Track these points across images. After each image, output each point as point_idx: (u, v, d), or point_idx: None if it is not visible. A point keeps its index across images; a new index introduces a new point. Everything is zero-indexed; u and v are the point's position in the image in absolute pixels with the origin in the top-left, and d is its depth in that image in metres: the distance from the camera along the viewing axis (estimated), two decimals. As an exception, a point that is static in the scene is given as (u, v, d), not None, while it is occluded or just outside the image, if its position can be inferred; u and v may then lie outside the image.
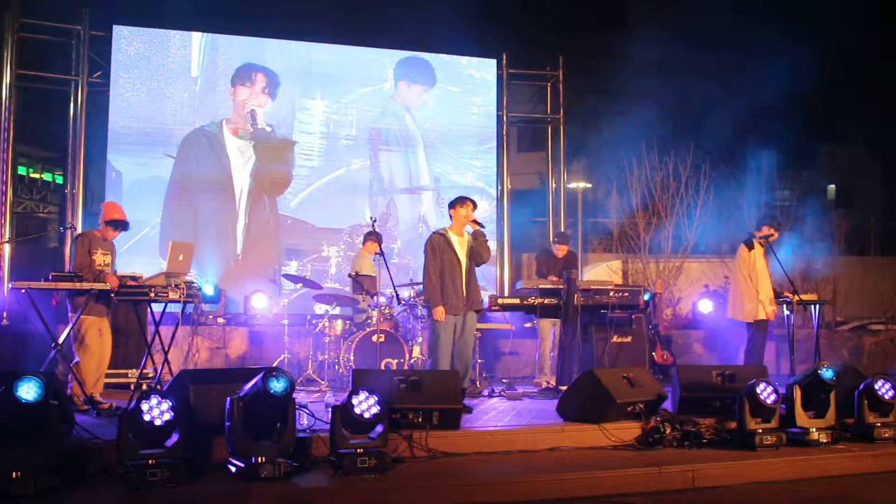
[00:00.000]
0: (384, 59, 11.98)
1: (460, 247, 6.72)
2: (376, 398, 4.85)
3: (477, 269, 6.89)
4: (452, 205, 6.78)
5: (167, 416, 4.44)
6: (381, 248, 8.30)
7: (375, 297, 8.36)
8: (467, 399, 6.60)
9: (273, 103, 11.44)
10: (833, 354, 10.18)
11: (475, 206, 6.76)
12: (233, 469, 4.59)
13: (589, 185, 19.20)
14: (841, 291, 13.57)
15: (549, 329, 8.31)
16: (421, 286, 7.12)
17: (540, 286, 7.62)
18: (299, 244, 11.29)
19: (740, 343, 8.51)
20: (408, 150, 12.03)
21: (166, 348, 6.76)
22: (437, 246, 6.68)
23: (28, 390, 4.19)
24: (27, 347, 6.96)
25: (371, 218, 8.49)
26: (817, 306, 8.51)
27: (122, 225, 6.55)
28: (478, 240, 6.76)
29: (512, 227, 12.00)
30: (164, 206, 10.69)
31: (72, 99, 10.34)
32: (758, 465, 5.34)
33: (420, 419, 5.44)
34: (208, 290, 6.71)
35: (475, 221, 6.73)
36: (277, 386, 4.57)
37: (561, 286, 7.53)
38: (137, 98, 10.57)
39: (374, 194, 11.90)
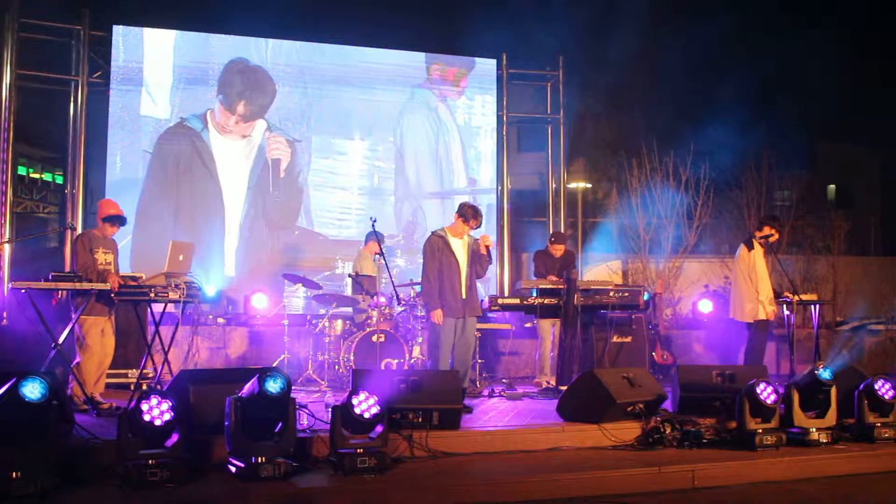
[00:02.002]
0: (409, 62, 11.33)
1: (459, 249, 6.70)
2: (376, 398, 4.85)
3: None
4: (462, 214, 6.66)
5: (167, 416, 4.44)
6: (381, 248, 8.31)
7: (375, 297, 8.36)
8: (467, 399, 6.60)
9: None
10: (833, 354, 10.17)
11: (479, 224, 6.72)
12: (233, 469, 4.59)
13: (589, 185, 19.22)
14: (841, 291, 13.58)
15: (549, 329, 8.30)
16: (420, 286, 7.12)
17: (540, 286, 7.61)
18: (308, 259, 10.33)
19: (740, 343, 8.51)
20: (439, 146, 11.01)
21: (166, 348, 6.76)
22: (436, 248, 6.65)
23: (32, 390, 4.21)
24: (27, 347, 6.96)
25: (371, 218, 8.48)
26: (817, 306, 8.51)
27: (118, 220, 6.57)
28: (482, 260, 6.76)
29: (512, 227, 11.99)
30: (136, 216, 9.98)
31: (72, 99, 10.33)
32: (758, 465, 5.34)
33: (420, 419, 5.44)
34: (210, 292, 6.68)
35: (487, 247, 6.72)
36: (273, 386, 4.57)
37: (561, 286, 7.52)
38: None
39: (399, 200, 11.08)
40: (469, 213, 6.66)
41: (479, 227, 6.73)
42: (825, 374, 5.79)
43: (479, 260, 6.75)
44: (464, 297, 6.63)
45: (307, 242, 10.90)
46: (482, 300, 7.58)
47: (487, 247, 6.73)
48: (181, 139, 10.57)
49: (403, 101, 11.38)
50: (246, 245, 10.60)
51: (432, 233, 6.84)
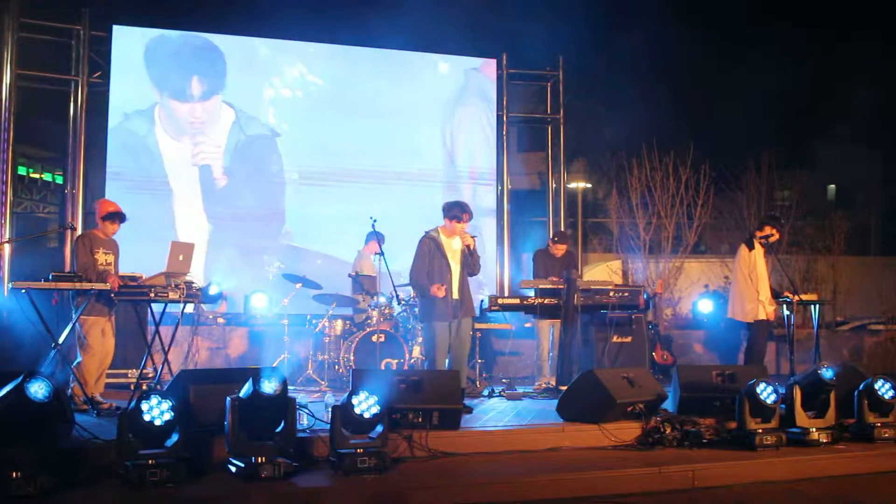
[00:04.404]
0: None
1: (451, 251, 6.65)
2: (376, 398, 4.85)
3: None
4: (454, 216, 6.60)
5: (167, 416, 4.44)
6: (381, 249, 8.30)
7: (375, 297, 8.35)
8: (467, 399, 6.60)
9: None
10: (833, 354, 10.18)
11: (471, 217, 6.68)
12: (233, 469, 4.59)
13: (589, 185, 19.23)
14: (841, 291, 13.59)
15: (548, 329, 8.28)
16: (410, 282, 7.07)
17: (540, 286, 7.61)
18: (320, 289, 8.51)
19: (740, 343, 8.52)
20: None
21: (166, 348, 6.76)
22: (427, 249, 6.61)
23: (39, 389, 4.22)
24: (27, 347, 6.96)
25: (371, 218, 8.46)
26: (817, 306, 8.51)
27: (119, 217, 6.55)
28: (473, 256, 6.73)
29: (512, 227, 11.99)
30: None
31: (72, 99, 10.32)
32: (758, 465, 5.34)
33: (420, 419, 5.44)
34: (213, 290, 6.64)
35: (468, 246, 6.66)
36: (268, 387, 4.57)
37: (561, 286, 7.52)
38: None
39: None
40: (457, 212, 6.59)
41: (471, 219, 6.67)
42: (828, 373, 5.79)
43: (465, 260, 6.73)
44: (456, 297, 6.60)
45: (330, 275, 9.17)
46: (481, 300, 7.58)
47: (468, 245, 6.68)
48: (123, 149, 9.95)
49: (456, 88, 10.68)
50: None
51: (425, 233, 6.77)
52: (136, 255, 7.38)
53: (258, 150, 10.48)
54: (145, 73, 10.22)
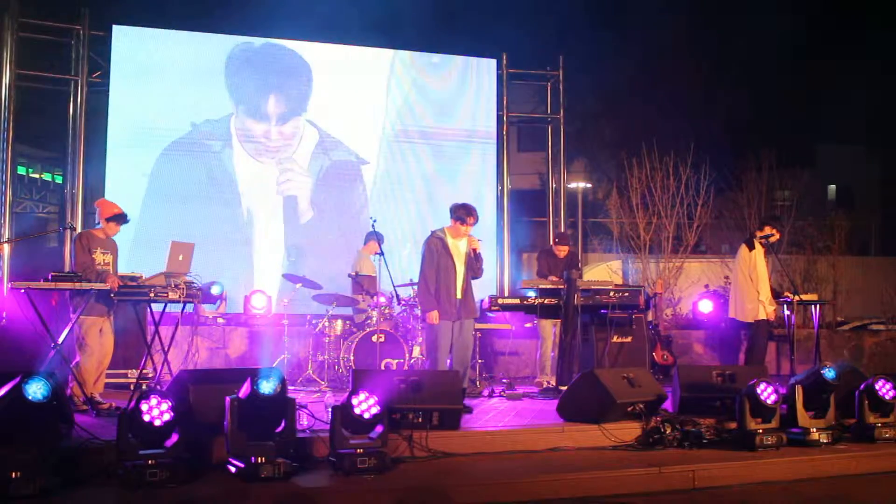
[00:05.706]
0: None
1: (457, 252, 6.68)
2: (376, 398, 4.84)
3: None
4: (459, 218, 6.63)
5: (167, 417, 4.44)
6: (381, 249, 8.30)
7: (375, 297, 8.35)
8: (467, 399, 6.59)
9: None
10: (833, 354, 10.18)
11: (476, 220, 6.70)
12: (232, 469, 4.59)
13: (589, 185, 19.22)
14: (841, 291, 13.57)
15: (551, 329, 8.30)
16: (417, 287, 7.12)
17: (540, 286, 7.61)
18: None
19: (740, 343, 8.52)
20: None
21: (166, 348, 6.75)
22: (435, 249, 6.63)
23: (36, 390, 4.22)
24: (27, 347, 6.95)
25: (371, 218, 8.45)
26: (817, 306, 8.51)
27: (122, 219, 6.55)
28: (477, 261, 6.75)
29: (512, 227, 11.98)
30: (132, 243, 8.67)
31: (71, 99, 10.31)
32: (758, 466, 5.34)
33: (420, 419, 5.43)
34: (215, 290, 6.63)
35: (474, 250, 6.69)
36: (266, 387, 4.57)
37: (561, 286, 7.52)
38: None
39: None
40: (462, 214, 6.62)
41: (476, 222, 6.69)
42: (830, 374, 5.79)
43: (470, 262, 6.74)
44: (459, 297, 6.61)
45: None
46: (481, 300, 7.58)
47: (475, 249, 6.71)
48: (191, 160, 9.78)
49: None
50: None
51: (432, 233, 6.81)
52: (214, 267, 7.79)
53: (342, 178, 10.15)
54: (223, 83, 9.90)
